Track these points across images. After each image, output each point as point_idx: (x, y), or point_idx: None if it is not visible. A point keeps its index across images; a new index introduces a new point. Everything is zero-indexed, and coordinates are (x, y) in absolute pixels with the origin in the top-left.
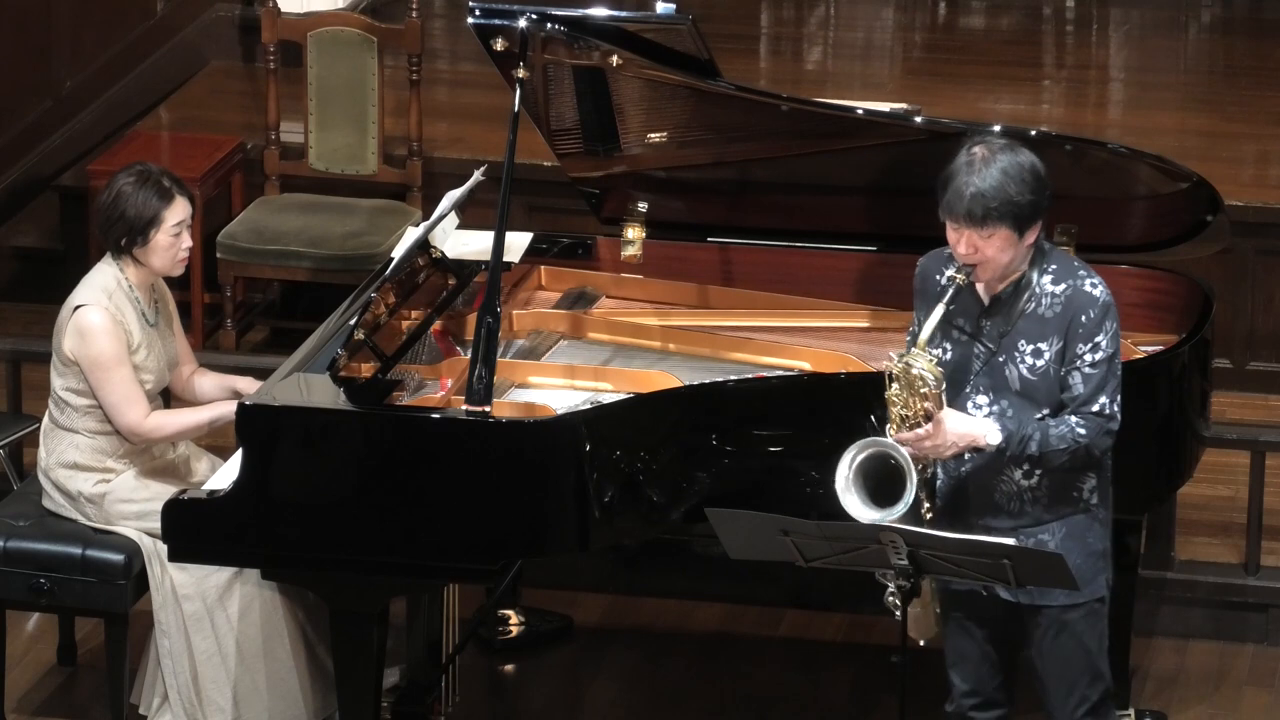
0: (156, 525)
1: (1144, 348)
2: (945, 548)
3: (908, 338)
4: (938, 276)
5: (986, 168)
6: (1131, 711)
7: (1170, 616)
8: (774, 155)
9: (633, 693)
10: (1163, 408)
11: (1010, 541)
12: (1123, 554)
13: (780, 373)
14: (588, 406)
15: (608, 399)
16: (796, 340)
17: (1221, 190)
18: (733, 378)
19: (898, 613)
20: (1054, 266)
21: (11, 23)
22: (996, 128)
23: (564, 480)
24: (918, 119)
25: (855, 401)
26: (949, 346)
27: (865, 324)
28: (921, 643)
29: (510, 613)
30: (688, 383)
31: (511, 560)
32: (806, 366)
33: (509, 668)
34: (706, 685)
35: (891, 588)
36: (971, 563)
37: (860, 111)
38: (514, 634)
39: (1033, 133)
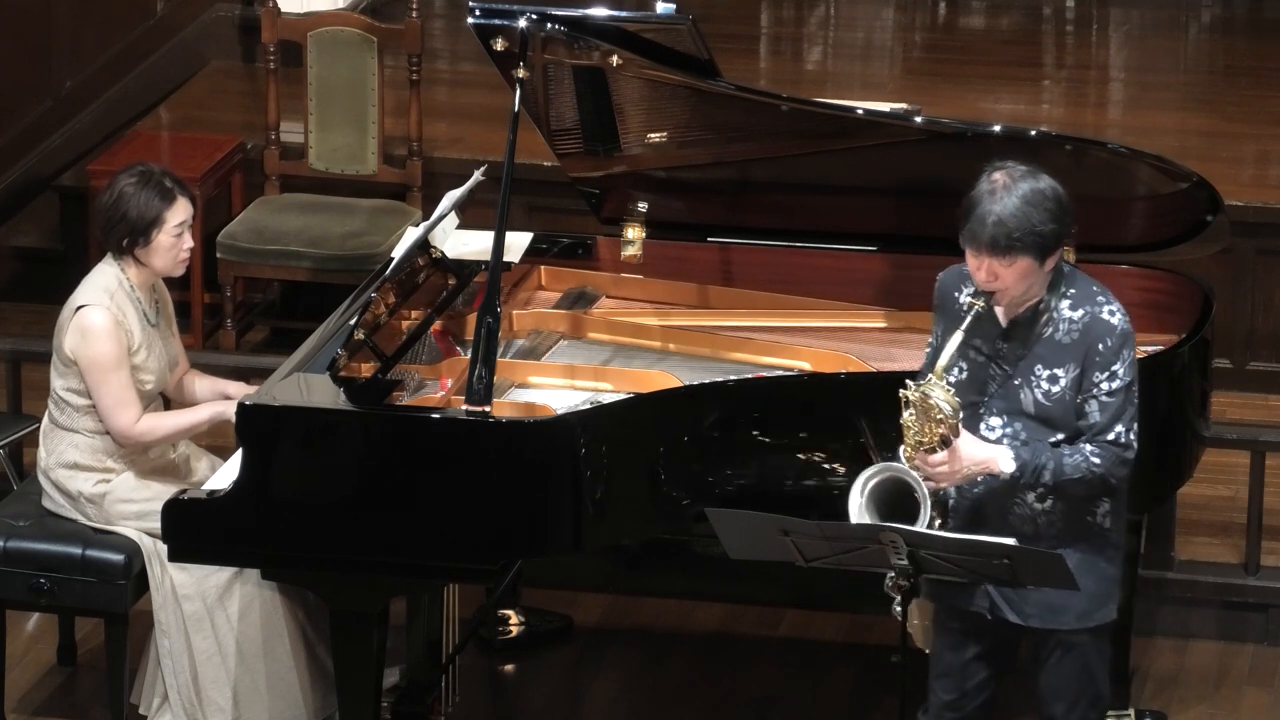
0: (156, 525)
1: (1144, 348)
2: (945, 548)
3: (927, 349)
4: (956, 294)
5: (1008, 195)
6: (1131, 711)
7: (1170, 616)
8: (774, 155)
9: (633, 693)
10: (1163, 408)
11: (1010, 541)
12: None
13: (780, 373)
14: (588, 406)
15: (608, 399)
16: (796, 340)
17: (1221, 190)
18: (733, 378)
19: (896, 601)
20: (1073, 291)
21: (11, 23)
22: (997, 127)
23: (564, 480)
24: (918, 119)
25: (855, 401)
26: (964, 366)
27: (865, 324)
28: (927, 651)
29: (510, 613)
30: (688, 383)
31: (511, 560)
32: (806, 366)
33: (509, 668)
34: (706, 685)
35: (898, 601)
36: (971, 562)
37: (860, 111)
38: (514, 634)
39: (1033, 133)
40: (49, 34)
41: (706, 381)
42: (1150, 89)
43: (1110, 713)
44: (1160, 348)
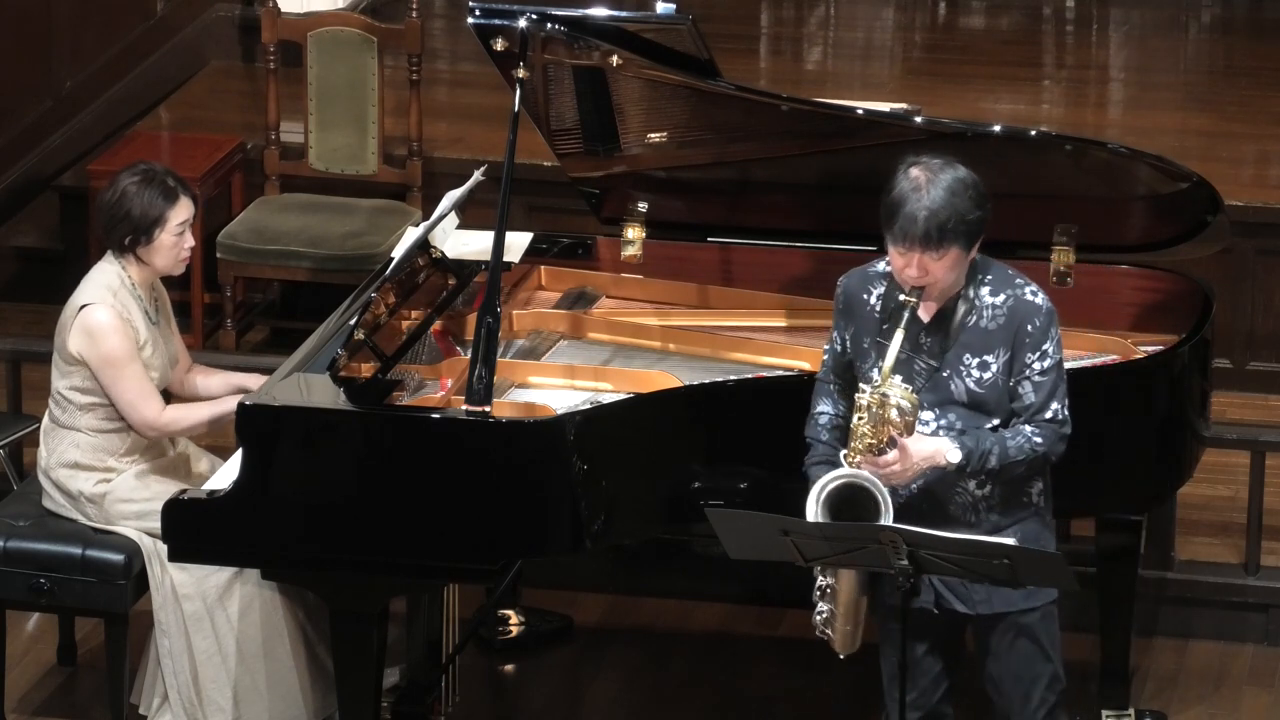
0: (156, 525)
1: (1144, 348)
2: (945, 547)
3: (825, 355)
4: (864, 296)
5: (933, 188)
6: (1131, 711)
7: (1170, 616)
8: (774, 155)
9: (633, 693)
10: (1163, 408)
11: (1010, 541)
12: (1123, 553)
13: (780, 373)
14: (588, 406)
15: (608, 399)
16: (796, 340)
17: (1221, 190)
18: (733, 378)
19: (826, 630)
20: (990, 277)
21: (11, 23)
22: (997, 127)
23: (564, 480)
24: (918, 119)
25: None
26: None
27: None
28: (842, 656)
29: (510, 613)
30: (688, 383)
31: (511, 560)
32: (806, 366)
33: (509, 668)
34: (706, 685)
35: (821, 607)
36: (971, 562)
37: (860, 111)
38: (514, 634)
39: (1032, 133)
40: (49, 34)
41: (706, 381)
42: (1150, 89)
43: (1110, 713)
44: (1160, 348)
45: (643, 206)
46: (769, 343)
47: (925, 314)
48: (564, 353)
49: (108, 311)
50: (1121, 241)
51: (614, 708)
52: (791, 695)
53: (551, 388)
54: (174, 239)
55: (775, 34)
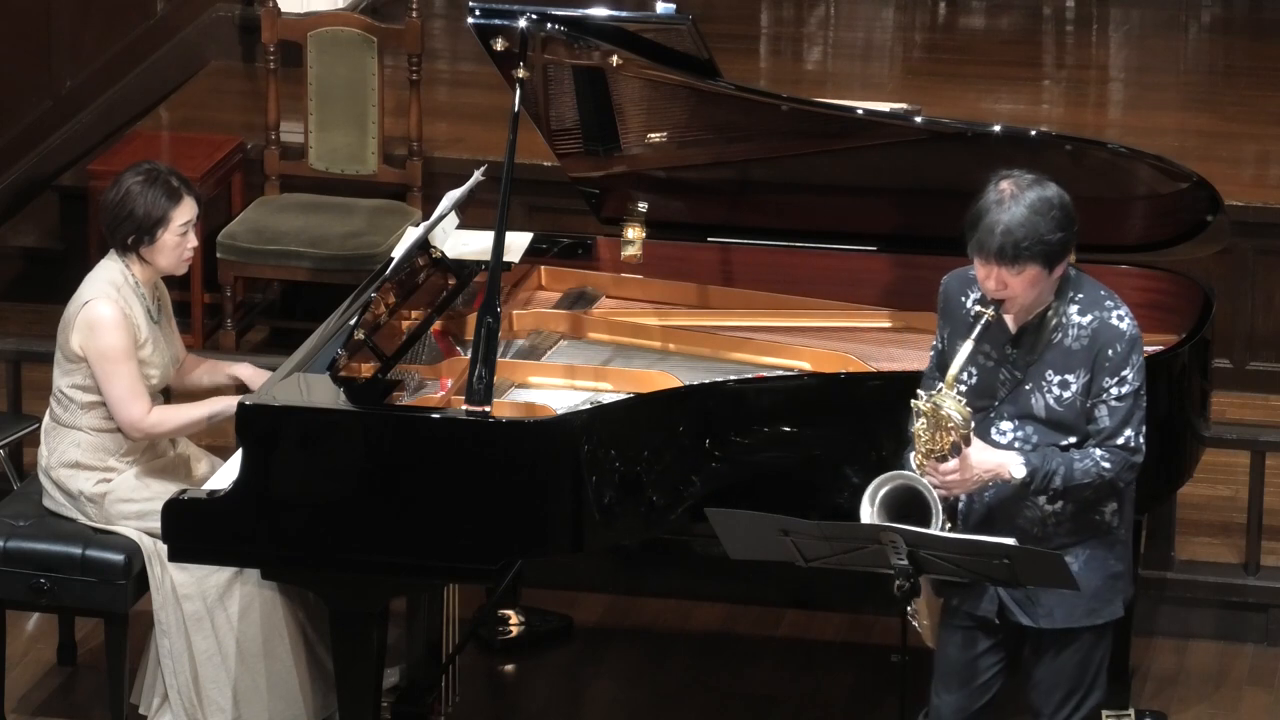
0: (156, 525)
1: (1144, 348)
2: (945, 547)
3: (931, 353)
4: (962, 299)
5: (1015, 205)
6: (1131, 711)
7: (1170, 616)
8: (774, 155)
9: (633, 693)
10: (1163, 408)
11: (1010, 541)
12: None
13: (780, 373)
14: (588, 406)
15: (608, 399)
16: (796, 340)
17: (1221, 190)
18: (733, 378)
19: (917, 623)
20: (1080, 296)
21: (11, 23)
22: (997, 127)
23: (564, 480)
24: (918, 119)
25: (855, 401)
26: (974, 372)
27: (865, 324)
28: (931, 645)
29: (510, 613)
30: (688, 383)
31: (511, 560)
32: (806, 366)
33: (509, 668)
34: (706, 685)
35: (911, 605)
36: (971, 562)
37: (860, 111)
38: (514, 634)
39: (1033, 133)
40: (49, 34)
41: (707, 381)
42: (1150, 89)
43: (1110, 713)
44: (1160, 348)
45: (643, 206)
46: (769, 343)
47: (1013, 325)
48: (564, 353)
49: (111, 307)
50: (1121, 241)
51: (614, 708)
52: (791, 695)
53: (551, 388)
54: (177, 239)
55: (775, 34)
